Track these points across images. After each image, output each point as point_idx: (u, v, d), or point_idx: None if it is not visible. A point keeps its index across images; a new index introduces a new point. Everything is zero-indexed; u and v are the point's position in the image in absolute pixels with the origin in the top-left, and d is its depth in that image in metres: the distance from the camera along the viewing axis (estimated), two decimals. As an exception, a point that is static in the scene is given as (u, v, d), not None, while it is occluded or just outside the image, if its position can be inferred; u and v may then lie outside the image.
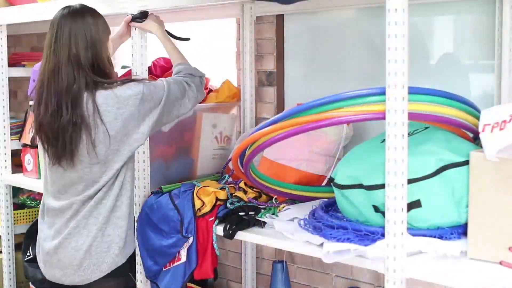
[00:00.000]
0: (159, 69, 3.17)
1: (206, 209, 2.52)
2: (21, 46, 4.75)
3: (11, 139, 3.70)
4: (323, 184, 2.63)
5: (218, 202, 2.55)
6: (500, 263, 1.85)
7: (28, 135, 3.65)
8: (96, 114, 2.28)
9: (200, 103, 3.14)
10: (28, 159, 3.57)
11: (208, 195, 2.56)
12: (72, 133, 2.29)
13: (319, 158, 2.62)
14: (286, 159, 2.65)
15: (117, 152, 2.34)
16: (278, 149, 2.67)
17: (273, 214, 2.45)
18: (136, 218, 2.65)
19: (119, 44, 2.79)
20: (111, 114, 2.29)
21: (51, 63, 2.35)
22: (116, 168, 2.36)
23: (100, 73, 2.36)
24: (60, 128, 2.30)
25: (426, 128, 2.23)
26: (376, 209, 2.07)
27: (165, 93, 2.39)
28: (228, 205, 2.53)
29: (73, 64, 2.32)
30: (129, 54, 2.75)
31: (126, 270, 2.49)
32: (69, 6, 2.42)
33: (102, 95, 2.30)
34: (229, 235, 2.37)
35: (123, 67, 3.63)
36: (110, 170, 2.35)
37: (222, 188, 2.63)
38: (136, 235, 2.64)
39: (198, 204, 2.54)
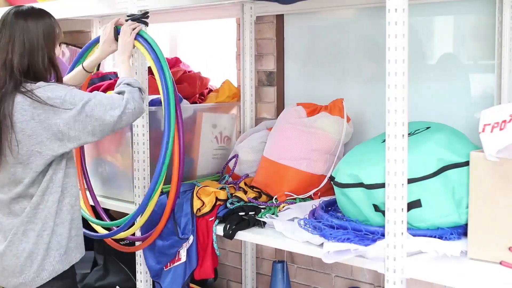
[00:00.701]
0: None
1: (206, 209, 2.52)
2: (21, 46, 4.74)
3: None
4: (323, 183, 2.63)
5: (218, 202, 2.55)
6: (500, 263, 1.85)
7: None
8: (14, 113, 2.21)
9: (200, 103, 3.15)
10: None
11: (208, 195, 2.56)
12: None
13: (319, 157, 2.62)
14: (286, 159, 2.65)
15: (39, 154, 2.24)
16: (278, 148, 2.67)
17: (273, 214, 2.45)
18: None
19: (109, 52, 2.68)
20: (28, 113, 2.21)
21: None
22: (38, 171, 2.26)
23: (35, 78, 2.28)
24: None
25: (427, 128, 2.23)
26: (376, 208, 2.07)
27: (87, 101, 2.24)
28: (228, 205, 2.53)
29: (7, 69, 2.26)
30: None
31: (70, 276, 2.37)
32: (18, 7, 2.36)
33: (21, 95, 2.23)
34: (229, 235, 2.37)
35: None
36: (33, 173, 2.26)
37: (222, 188, 2.63)
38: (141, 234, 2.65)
39: (198, 204, 2.54)
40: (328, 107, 2.70)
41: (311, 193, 2.62)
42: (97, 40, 2.72)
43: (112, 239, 2.82)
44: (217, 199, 2.55)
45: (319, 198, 2.58)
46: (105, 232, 2.78)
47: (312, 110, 2.71)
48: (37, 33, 2.31)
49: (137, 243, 2.75)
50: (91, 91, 3.11)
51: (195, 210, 2.53)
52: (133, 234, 2.73)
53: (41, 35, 2.32)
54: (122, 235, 2.68)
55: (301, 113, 2.70)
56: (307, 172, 2.62)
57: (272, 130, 2.80)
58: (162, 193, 2.69)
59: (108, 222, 2.80)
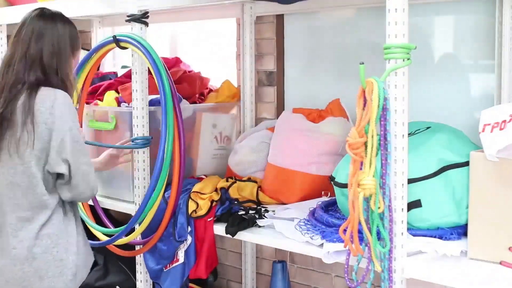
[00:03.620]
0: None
1: (202, 212, 2.52)
2: (21, 46, 4.74)
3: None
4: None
5: (214, 203, 2.55)
6: (500, 263, 1.85)
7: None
8: (28, 112, 2.12)
9: (200, 103, 3.15)
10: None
11: (202, 200, 2.56)
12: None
13: (328, 159, 2.60)
14: (295, 164, 2.62)
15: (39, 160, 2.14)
16: (285, 155, 2.65)
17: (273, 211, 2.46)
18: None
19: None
20: (44, 115, 2.12)
21: (6, 55, 2.24)
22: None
23: (59, 83, 2.21)
24: None
25: (428, 128, 2.23)
26: (376, 208, 2.07)
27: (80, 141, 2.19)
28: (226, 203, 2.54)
29: (27, 62, 2.19)
30: (129, 54, 2.75)
31: None
32: (44, 9, 2.32)
33: (41, 94, 2.14)
34: (232, 231, 2.36)
35: (123, 67, 3.63)
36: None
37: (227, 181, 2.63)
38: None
39: (192, 206, 2.54)
40: (329, 110, 2.69)
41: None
42: (92, 53, 2.73)
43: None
44: (212, 201, 2.56)
45: (329, 197, 2.57)
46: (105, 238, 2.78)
47: (312, 115, 2.69)
48: (65, 36, 2.27)
49: (137, 247, 2.75)
50: (91, 91, 3.12)
51: (190, 212, 2.53)
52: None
53: (68, 40, 2.28)
54: (121, 241, 2.68)
55: (302, 119, 2.68)
56: (317, 175, 2.60)
57: (275, 136, 2.76)
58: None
59: (108, 229, 2.79)
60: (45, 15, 2.28)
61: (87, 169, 2.19)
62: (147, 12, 2.68)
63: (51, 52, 2.22)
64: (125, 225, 2.63)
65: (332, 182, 2.31)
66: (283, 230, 2.25)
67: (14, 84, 2.17)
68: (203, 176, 2.88)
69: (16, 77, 2.18)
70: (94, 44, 3.72)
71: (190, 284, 3.23)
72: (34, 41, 2.21)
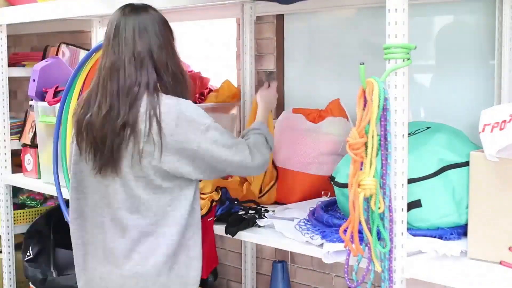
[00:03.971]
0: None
1: (202, 212, 2.51)
2: (21, 46, 4.75)
3: (11, 139, 3.70)
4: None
5: (214, 203, 2.54)
6: (500, 263, 1.84)
7: (28, 135, 3.65)
8: (154, 122, 2.02)
9: (200, 102, 3.14)
10: (28, 159, 3.57)
11: (202, 200, 2.55)
12: (122, 138, 2.03)
13: (327, 159, 2.60)
14: (294, 165, 2.62)
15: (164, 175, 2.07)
16: (284, 155, 2.65)
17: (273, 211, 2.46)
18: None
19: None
20: (170, 127, 2.03)
21: (108, 60, 2.09)
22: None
23: (172, 77, 2.11)
24: (109, 131, 2.04)
25: (428, 128, 2.23)
26: (376, 208, 2.07)
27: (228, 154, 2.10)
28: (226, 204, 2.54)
29: (137, 62, 2.06)
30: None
31: None
32: (131, 4, 2.16)
33: (165, 103, 2.04)
34: (232, 231, 2.36)
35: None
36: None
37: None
38: None
39: None
40: (329, 110, 2.69)
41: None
42: (92, 53, 2.72)
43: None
44: (213, 201, 2.55)
45: (329, 197, 2.57)
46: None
47: (312, 115, 2.70)
48: (164, 24, 2.15)
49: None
50: None
51: None
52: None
53: (167, 27, 2.15)
54: None
55: (302, 119, 2.68)
56: (317, 175, 2.60)
57: (275, 137, 2.74)
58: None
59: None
60: (137, 9, 2.14)
61: None
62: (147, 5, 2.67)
63: (158, 46, 2.10)
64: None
65: (332, 182, 2.31)
66: (283, 230, 2.25)
67: (130, 88, 2.05)
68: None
69: (130, 80, 2.06)
70: (94, 44, 3.72)
71: (190, 284, 3.22)
72: (139, 38, 2.07)
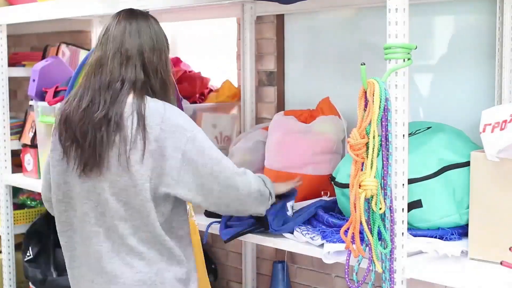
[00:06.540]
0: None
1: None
2: (21, 46, 4.75)
3: (11, 139, 3.70)
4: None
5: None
6: (501, 263, 1.84)
7: (28, 135, 3.65)
8: (140, 123, 1.95)
9: (200, 102, 3.15)
10: (28, 159, 3.57)
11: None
12: (104, 132, 1.96)
13: (323, 158, 2.60)
14: (291, 167, 2.61)
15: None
16: (280, 158, 2.65)
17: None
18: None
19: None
20: (154, 131, 1.96)
21: (95, 57, 2.07)
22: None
23: (160, 82, 2.06)
24: (90, 125, 1.98)
25: (428, 128, 2.23)
26: (377, 209, 2.07)
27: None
28: None
29: (122, 58, 2.02)
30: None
31: None
32: (131, 9, 2.15)
33: (150, 106, 1.99)
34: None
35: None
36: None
37: None
38: None
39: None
40: (319, 109, 2.69)
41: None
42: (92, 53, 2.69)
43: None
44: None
45: (329, 197, 2.56)
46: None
47: (303, 116, 2.70)
48: (162, 34, 2.11)
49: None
50: None
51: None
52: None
53: (165, 38, 2.11)
54: None
55: (294, 121, 2.68)
56: (315, 175, 2.60)
57: (269, 141, 2.74)
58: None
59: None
60: (136, 14, 2.11)
61: None
62: (147, 12, 2.67)
63: (151, 48, 2.05)
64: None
65: (332, 182, 2.30)
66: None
67: (111, 82, 2.00)
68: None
69: (112, 74, 2.01)
70: (94, 44, 3.72)
71: (190, 284, 3.22)
72: (129, 37, 2.03)
